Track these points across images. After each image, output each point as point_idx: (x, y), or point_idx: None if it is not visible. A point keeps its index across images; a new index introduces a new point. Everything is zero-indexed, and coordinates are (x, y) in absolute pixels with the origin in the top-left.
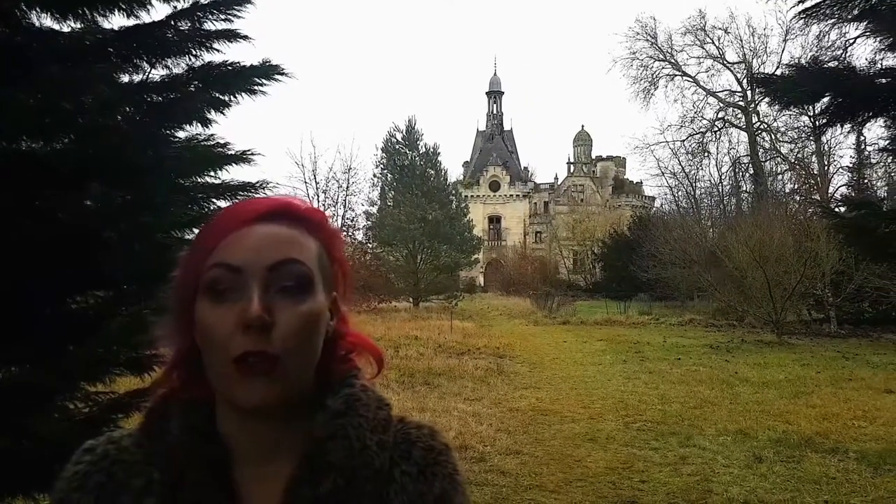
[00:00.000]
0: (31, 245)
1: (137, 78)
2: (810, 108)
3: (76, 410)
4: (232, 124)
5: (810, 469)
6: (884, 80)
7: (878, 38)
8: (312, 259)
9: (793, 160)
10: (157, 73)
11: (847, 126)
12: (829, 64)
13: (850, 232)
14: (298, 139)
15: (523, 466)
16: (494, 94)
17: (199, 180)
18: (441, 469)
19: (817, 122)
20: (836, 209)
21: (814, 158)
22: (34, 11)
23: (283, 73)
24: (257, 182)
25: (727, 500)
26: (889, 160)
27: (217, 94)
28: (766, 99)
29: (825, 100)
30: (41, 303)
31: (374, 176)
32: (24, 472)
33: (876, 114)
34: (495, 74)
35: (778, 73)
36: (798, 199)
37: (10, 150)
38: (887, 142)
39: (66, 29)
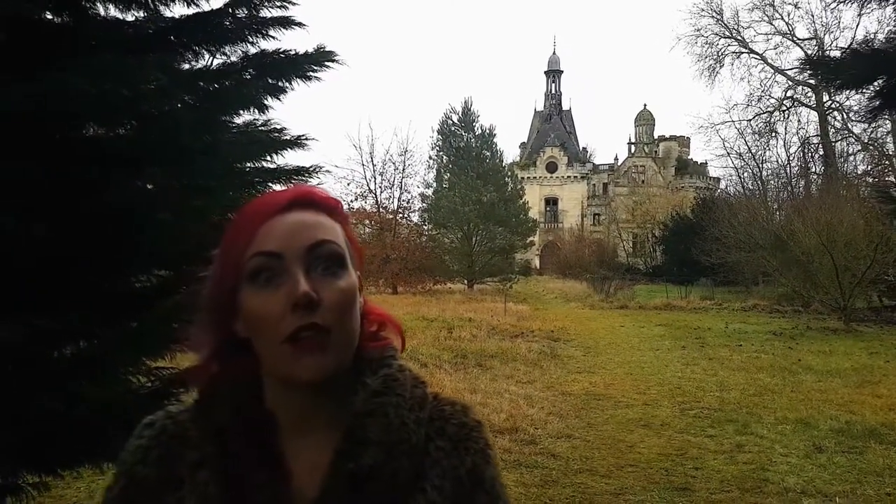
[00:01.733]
0: (90, 224)
1: (197, 65)
2: (860, 90)
3: (140, 384)
4: (290, 109)
5: (873, 460)
6: None
7: None
8: (341, 239)
9: (866, 140)
10: (216, 61)
11: None
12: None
13: None
14: (356, 122)
15: (574, 450)
16: (553, 74)
17: (254, 165)
18: (473, 444)
19: (870, 106)
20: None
21: (889, 138)
22: (99, 1)
23: (334, 60)
24: (311, 166)
25: (783, 490)
26: None
27: (272, 81)
28: (822, 82)
29: (879, 82)
30: (99, 279)
31: (430, 158)
32: (87, 441)
33: None
34: (554, 53)
35: (836, 54)
36: (870, 180)
37: (74, 136)
38: None
39: (129, 18)
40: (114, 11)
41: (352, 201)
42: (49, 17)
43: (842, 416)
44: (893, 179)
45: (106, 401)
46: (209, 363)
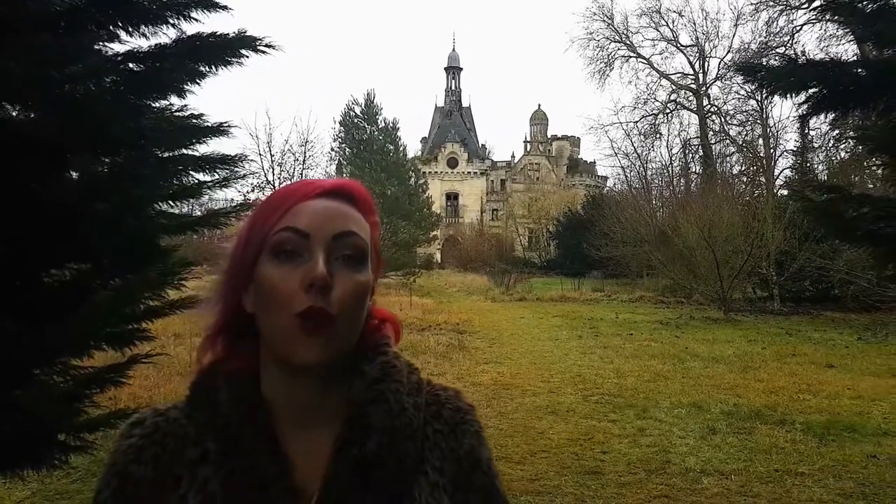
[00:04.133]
0: (8, 218)
1: (117, 48)
2: (793, 96)
3: (54, 385)
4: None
5: (761, 440)
6: (865, 73)
7: (823, 27)
8: (367, 236)
9: (741, 143)
10: (140, 43)
11: (831, 115)
12: (778, 49)
13: (820, 215)
14: (253, 111)
15: (489, 439)
16: (453, 70)
17: (177, 153)
18: (468, 427)
19: (801, 112)
20: (807, 193)
21: (760, 141)
22: None
23: (270, 46)
24: (236, 155)
25: (685, 470)
26: (830, 145)
27: (196, 66)
28: (753, 85)
29: (812, 90)
30: (19, 277)
31: (332, 150)
32: (5, 449)
33: (856, 105)
34: (454, 50)
35: (774, 62)
36: (745, 180)
37: None
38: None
39: None
40: None
41: (248, 193)
42: None
43: (730, 399)
44: (763, 179)
45: (11, 404)
46: (214, 339)
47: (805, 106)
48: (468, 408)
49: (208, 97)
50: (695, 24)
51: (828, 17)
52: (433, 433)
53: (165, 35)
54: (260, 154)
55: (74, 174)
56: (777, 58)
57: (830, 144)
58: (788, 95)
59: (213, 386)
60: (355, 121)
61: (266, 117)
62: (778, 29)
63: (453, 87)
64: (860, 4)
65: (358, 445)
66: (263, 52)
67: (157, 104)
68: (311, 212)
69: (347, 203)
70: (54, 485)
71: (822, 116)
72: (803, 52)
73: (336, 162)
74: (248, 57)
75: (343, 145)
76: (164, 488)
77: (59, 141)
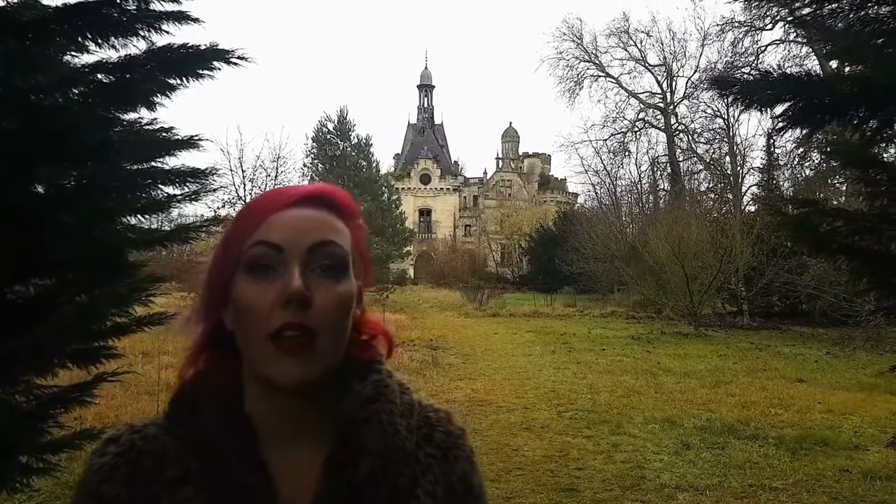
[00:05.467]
0: None
1: (86, 58)
2: (768, 110)
3: (15, 405)
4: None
5: (734, 455)
6: (841, 86)
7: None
8: (347, 244)
9: (708, 160)
10: (109, 54)
11: (805, 129)
12: (744, 69)
13: (794, 229)
14: (224, 126)
15: None
16: (425, 88)
17: (146, 166)
18: (460, 452)
19: (776, 125)
20: (782, 207)
21: (727, 159)
22: None
23: (242, 58)
24: (207, 168)
25: (660, 486)
26: (796, 162)
27: (166, 78)
28: (728, 99)
29: (785, 105)
30: None
31: (305, 166)
32: None
33: (831, 118)
34: (426, 68)
35: (749, 76)
36: (713, 197)
37: None
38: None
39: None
40: None
41: (219, 208)
42: None
43: (703, 414)
44: (731, 196)
45: None
46: (197, 355)
47: (779, 119)
48: (459, 431)
49: (179, 112)
50: (662, 44)
51: (793, 35)
52: (425, 457)
53: (136, 47)
54: (231, 170)
55: (40, 187)
56: (747, 75)
57: (796, 162)
58: (763, 109)
59: (194, 402)
60: (328, 137)
61: (238, 133)
62: (743, 49)
63: (426, 105)
64: (828, 22)
65: (351, 467)
66: (236, 64)
67: (127, 116)
68: (284, 223)
69: (325, 210)
70: None
71: (787, 135)
72: (779, 66)
73: (309, 178)
74: (219, 69)
75: (316, 161)
76: None
77: (24, 150)
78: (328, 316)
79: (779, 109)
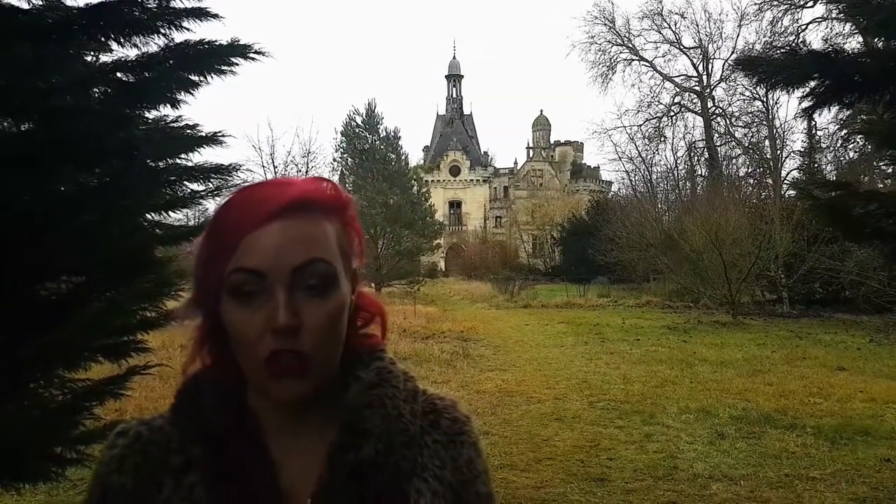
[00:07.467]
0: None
1: (105, 58)
2: (795, 89)
3: (50, 398)
4: (190, 108)
5: (770, 444)
6: (870, 62)
7: (829, 25)
8: (334, 250)
9: (747, 144)
10: (130, 53)
11: (834, 108)
12: (783, 49)
13: (827, 213)
14: (255, 123)
15: (493, 447)
16: (454, 78)
17: (170, 162)
18: (466, 438)
19: (805, 105)
20: (814, 191)
21: (767, 143)
22: None
23: (260, 53)
24: (230, 164)
25: (693, 476)
26: (839, 145)
27: (188, 75)
28: (753, 79)
29: (812, 83)
30: (10, 290)
31: (334, 160)
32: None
33: (861, 96)
34: (454, 58)
35: (775, 55)
36: (752, 182)
37: None
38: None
39: (25, 6)
40: None
41: None
42: None
43: (739, 403)
44: (770, 181)
45: (17, 419)
46: (200, 349)
47: (806, 98)
48: (465, 418)
49: (209, 109)
50: (697, 25)
51: (835, 12)
52: (433, 442)
53: (156, 44)
54: (263, 166)
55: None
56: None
57: (839, 144)
58: (790, 88)
59: (198, 393)
60: (357, 130)
61: (269, 129)
62: (783, 28)
63: (455, 95)
64: None
65: (354, 450)
66: (253, 59)
67: (151, 114)
68: (262, 246)
69: (307, 216)
70: (60, 497)
71: (829, 116)
72: (804, 43)
73: (339, 172)
74: (238, 65)
75: (345, 155)
76: (146, 497)
77: (46, 152)
78: (320, 337)
79: (806, 89)
